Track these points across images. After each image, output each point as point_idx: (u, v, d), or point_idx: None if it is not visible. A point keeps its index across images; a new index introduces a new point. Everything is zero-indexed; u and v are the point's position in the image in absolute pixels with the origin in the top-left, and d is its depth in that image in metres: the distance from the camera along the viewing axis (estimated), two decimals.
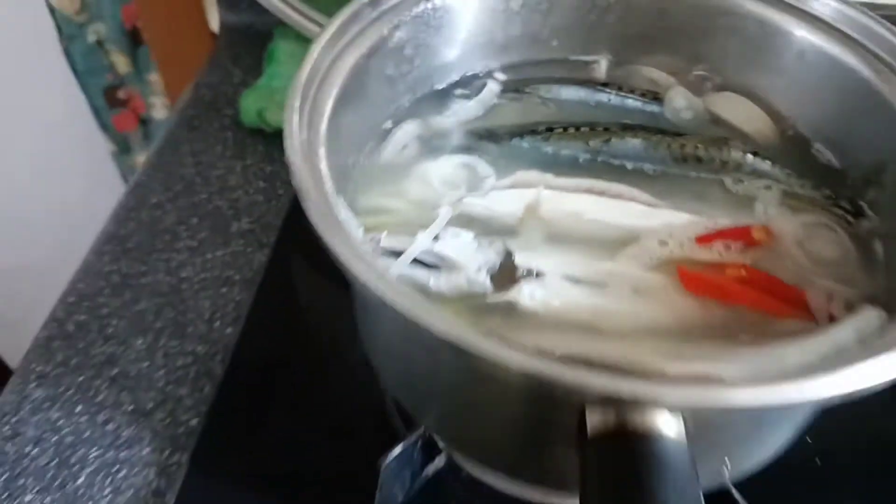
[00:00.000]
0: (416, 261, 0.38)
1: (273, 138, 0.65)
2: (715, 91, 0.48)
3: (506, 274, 0.38)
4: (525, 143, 0.44)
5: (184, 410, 0.48)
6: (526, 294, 0.37)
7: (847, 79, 0.42)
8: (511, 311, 0.37)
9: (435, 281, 0.38)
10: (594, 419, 0.28)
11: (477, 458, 0.40)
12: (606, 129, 0.44)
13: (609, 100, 0.48)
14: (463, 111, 0.46)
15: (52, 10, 0.88)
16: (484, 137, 0.45)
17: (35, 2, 0.88)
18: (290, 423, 0.48)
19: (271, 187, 0.62)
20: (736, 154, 0.43)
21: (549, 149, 0.44)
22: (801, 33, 0.44)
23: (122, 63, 0.97)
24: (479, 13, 0.46)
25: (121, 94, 1.01)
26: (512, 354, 0.27)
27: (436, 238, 0.39)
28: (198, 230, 0.59)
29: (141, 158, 1.07)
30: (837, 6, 0.43)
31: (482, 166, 0.43)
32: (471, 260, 0.38)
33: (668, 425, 0.28)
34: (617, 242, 0.40)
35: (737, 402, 0.26)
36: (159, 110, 1.04)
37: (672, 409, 0.27)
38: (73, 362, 0.51)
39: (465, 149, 0.45)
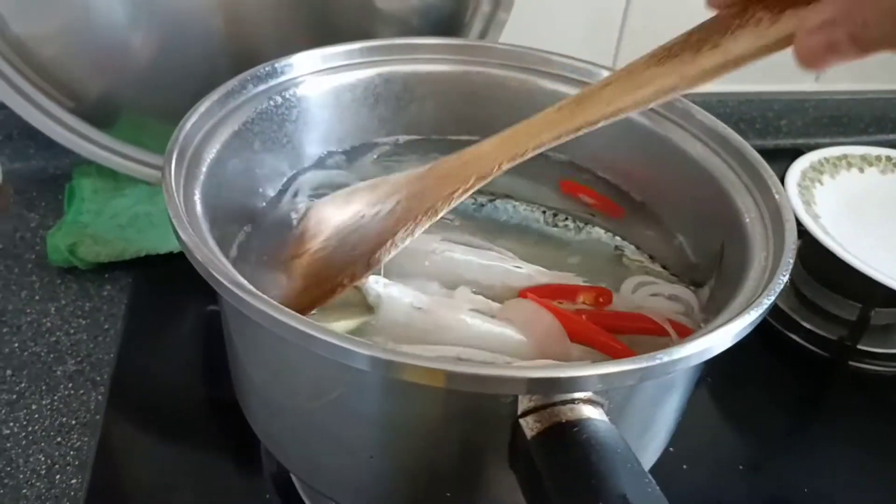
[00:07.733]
0: None
1: (88, 274, 0.61)
2: None
3: None
4: None
5: None
6: (371, 279, 0.39)
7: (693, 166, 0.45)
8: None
9: None
10: (530, 422, 0.29)
11: None
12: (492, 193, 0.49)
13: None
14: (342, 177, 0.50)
15: None
16: None
17: None
18: None
19: (94, 323, 0.57)
20: (598, 231, 0.47)
21: None
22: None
23: None
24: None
25: None
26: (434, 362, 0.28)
27: None
28: (15, 382, 0.52)
29: None
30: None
31: None
32: None
33: (593, 412, 0.30)
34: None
35: (656, 363, 0.29)
36: None
37: (597, 390, 0.29)
38: None
39: None
